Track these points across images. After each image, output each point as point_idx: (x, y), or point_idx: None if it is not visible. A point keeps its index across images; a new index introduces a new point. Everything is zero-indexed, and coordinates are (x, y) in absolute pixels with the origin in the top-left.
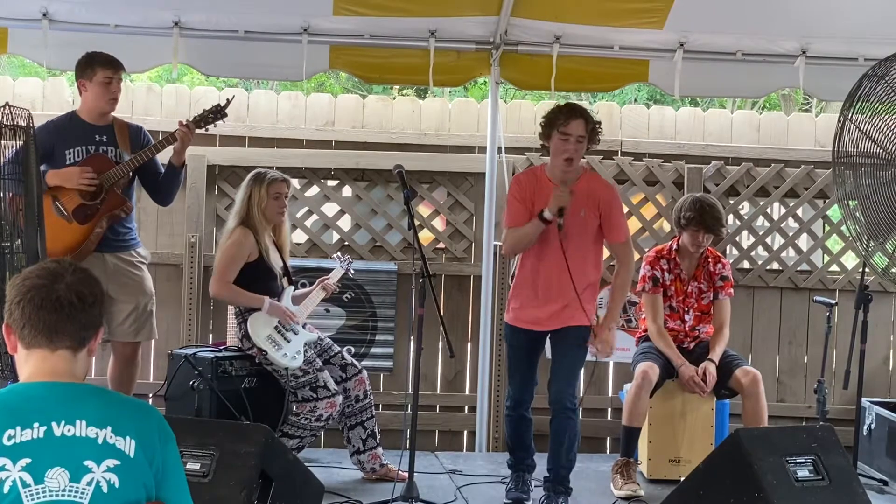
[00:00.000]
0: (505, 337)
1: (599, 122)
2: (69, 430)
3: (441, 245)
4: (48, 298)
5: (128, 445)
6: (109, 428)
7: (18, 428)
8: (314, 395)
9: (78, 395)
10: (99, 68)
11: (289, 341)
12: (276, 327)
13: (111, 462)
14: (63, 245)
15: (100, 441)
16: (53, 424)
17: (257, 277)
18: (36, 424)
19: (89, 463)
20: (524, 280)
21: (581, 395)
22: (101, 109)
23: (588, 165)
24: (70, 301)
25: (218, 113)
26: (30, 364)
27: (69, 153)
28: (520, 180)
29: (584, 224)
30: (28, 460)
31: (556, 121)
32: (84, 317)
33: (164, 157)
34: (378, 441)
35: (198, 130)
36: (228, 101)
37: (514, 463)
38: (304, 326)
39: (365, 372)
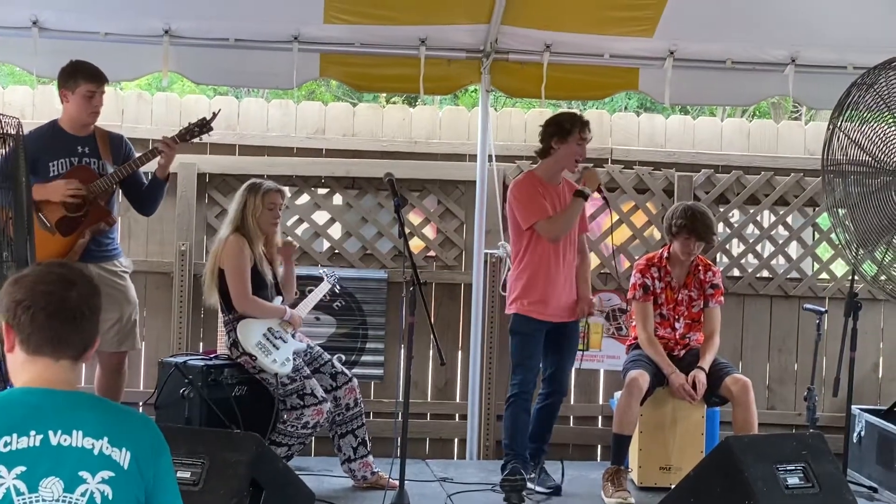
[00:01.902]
0: (517, 327)
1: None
2: (65, 440)
3: (432, 253)
4: (62, 307)
5: (123, 457)
6: (106, 439)
7: (15, 435)
8: (301, 403)
9: (76, 404)
10: (82, 81)
11: (278, 348)
12: (264, 334)
13: (106, 473)
14: (46, 257)
15: (95, 452)
16: (50, 433)
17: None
18: (32, 432)
19: (84, 473)
20: (542, 276)
21: (572, 402)
22: (82, 121)
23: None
24: (81, 312)
25: (203, 126)
26: (29, 370)
27: (53, 165)
28: (530, 181)
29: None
30: (23, 468)
31: (574, 128)
32: (88, 328)
33: (150, 165)
34: (369, 449)
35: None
36: (214, 115)
37: (512, 457)
38: (293, 336)
39: (355, 380)
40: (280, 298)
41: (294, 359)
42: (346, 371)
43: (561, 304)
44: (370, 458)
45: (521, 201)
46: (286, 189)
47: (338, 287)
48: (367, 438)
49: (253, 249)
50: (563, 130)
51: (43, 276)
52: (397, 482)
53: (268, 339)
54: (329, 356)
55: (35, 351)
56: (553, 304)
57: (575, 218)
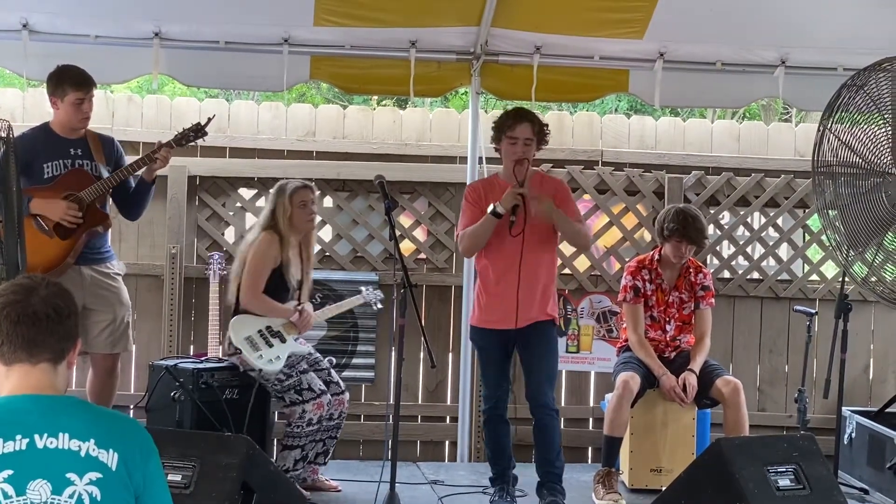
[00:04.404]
0: (472, 340)
1: (546, 125)
2: (52, 443)
3: (422, 255)
4: (25, 313)
5: (110, 458)
6: (92, 441)
7: (0, 440)
8: (300, 398)
9: (61, 407)
10: (70, 89)
11: (271, 346)
12: (259, 331)
13: (93, 475)
14: (45, 260)
15: (82, 454)
16: (36, 437)
17: (269, 287)
18: (18, 437)
19: (71, 475)
20: (485, 281)
21: (563, 405)
22: (73, 126)
23: (543, 170)
24: (47, 314)
25: (198, 131)
26: (11, 380)
27: (47, 167)
28: (474, 186)
29: (539, 221)
30: (10, 472)
31: (503, 126)
32: (61, 328)
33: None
34: (325, 462)
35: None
36: (209, 120)
37: (497, 474)
38: (296, 339)
39: (347, 394)
40: (295, 303)
41: (288, 358)
42: (342, 383)
43: (510, 310)
44: (322, 469)
45: (462, 208)
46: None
47: (376, 306)
48: (330, 451)
49: (283, 251)
50: (496, 131)
51: (6, 289)
52: (337, 484)
53: (262, 335)
54: (327, 364)
55: (11, 360)
56: (501, 309)
57: (480, 235)
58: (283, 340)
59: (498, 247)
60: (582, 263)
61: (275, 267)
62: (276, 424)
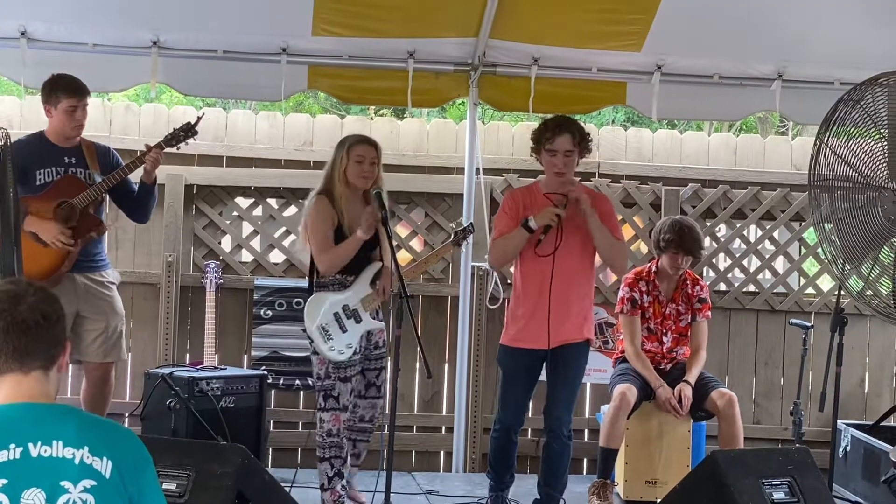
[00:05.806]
0: (499, 360)
1: (588, 133)
2: (46, 451)
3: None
4: (14, 322)
5: (104, 466)
6: (86, 448)
7: None
8: (322, 405)
9: (54, 415)
10: (63, 97)
11: (345, 331)
12: (336, 314)
13: (88, 483)
14: (40, 268)
15: (76, 461)
16: (30, 445)
17: None
18: (12, 446)
19: (66, 483)
20: (518, 297)
21: None
22: (66, 135)
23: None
24: (36, 321)
25: (188, 131)
26: (3, 389)
27: (40, 174)
28: (514, 195)
29: (579, 235)
30: (4, 481)
31: (542, 137)
32: (50, 335)
33: (135, 174)
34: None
35: (173, 149)
36: (199, 119)
37: (496, 479)
38: (373, 315)
39: (382, 400)
40: (376, 266)
41: (358, 343)
42: (380, 390)
43: (544, 328)
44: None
45: (497, 215)
46: (269, 199)
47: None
48: (360, 454)
49: (336, 208)
50: (535, 142)
51: None
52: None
53: (336, 318)
54: (382, 365)
55: (2, 370)
56: (533, 327)
57: (511, 247)
58: (359, 320)
59: (530, 263)
60: None
61: (335, 227)
62: (271, 433)
